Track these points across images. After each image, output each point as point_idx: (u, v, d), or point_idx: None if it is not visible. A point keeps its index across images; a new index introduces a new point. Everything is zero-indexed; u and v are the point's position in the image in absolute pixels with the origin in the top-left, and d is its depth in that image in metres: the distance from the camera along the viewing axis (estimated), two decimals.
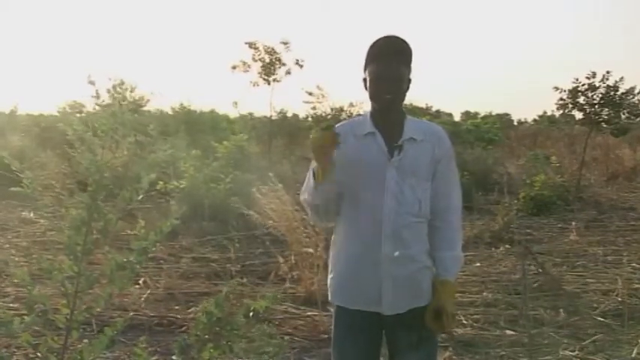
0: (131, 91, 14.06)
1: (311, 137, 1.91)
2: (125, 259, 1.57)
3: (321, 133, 1.89)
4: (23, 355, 3.41)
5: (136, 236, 1.60)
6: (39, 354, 1.68)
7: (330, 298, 2.16)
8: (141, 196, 1.57)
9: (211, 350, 1.52)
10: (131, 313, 3.83)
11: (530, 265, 5.31)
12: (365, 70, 2.08)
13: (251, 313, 1.55)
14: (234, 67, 13.43)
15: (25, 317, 1.67)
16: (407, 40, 2.04)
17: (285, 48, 13.14)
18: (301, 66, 13.27)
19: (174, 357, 1.60)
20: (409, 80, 2.06)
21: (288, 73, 13.28)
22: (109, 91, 1.66)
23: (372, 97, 2.06)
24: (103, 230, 1.55)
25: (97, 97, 1.67)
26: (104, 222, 1.54)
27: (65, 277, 1.59)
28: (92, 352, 1.63)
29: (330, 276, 2.15)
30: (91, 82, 1.64)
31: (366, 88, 2.09)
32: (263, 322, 1.69)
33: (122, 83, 1.74)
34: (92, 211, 1.52)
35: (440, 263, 2.06)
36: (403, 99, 2.08)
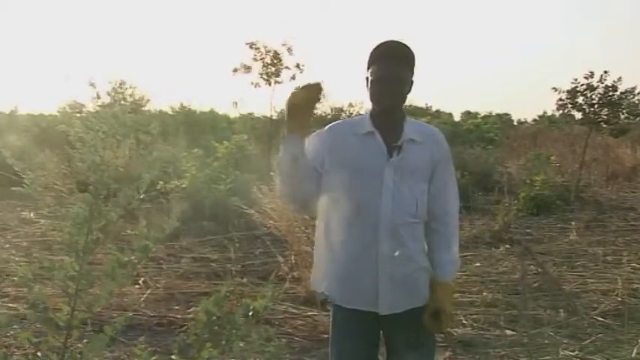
0: (131, 92, 14.06)
1: (292, 92, 1.88)
2: (127, 258, 1.57)
3: (306, 88, 1.88)
4: (23, 355, 3.42)
5: (137, 235, 1.61)
6: (39, 353, 1.69)
7: (313, 286, 2.17)
8: (142, 195, 1.58)
9: (210, 350, 1.53)
10: (130, 313, 3.82)
11: (530, 265, 5.32)
12: (368, 69, 2.08)
13: (250, 313, 1.55)
14: (235, 70, 13.39)
15: (17, 315, 1.67)
16: (409, 45, 2.04)
17: (287, 50, 13.11)
18: (302, 70, 13.27)
19: (173, 356, 1.60)
20: (411, 82, 2.06)
21: (292, 78, 13.28)
22: (109, 93, 1.67)
23: (372, 99, 2.06)
24: (103, 228, 1.55)
25: (98, 97, 1.68)
26: (105, 220, 1.55)
27: (66, 276, 1.59)
28: (92, 350, 1.63)
29: (321, 273, 2.11)
30: (92, 85, 1.65)
31: (367, 88, 2.10)
32: (263, 324, 1.70)
33: (123, 84, 1.75)
34: (93, 209, 1.53)
35: (437, 265, 2.07)
36: (404, 101, 2.09)
